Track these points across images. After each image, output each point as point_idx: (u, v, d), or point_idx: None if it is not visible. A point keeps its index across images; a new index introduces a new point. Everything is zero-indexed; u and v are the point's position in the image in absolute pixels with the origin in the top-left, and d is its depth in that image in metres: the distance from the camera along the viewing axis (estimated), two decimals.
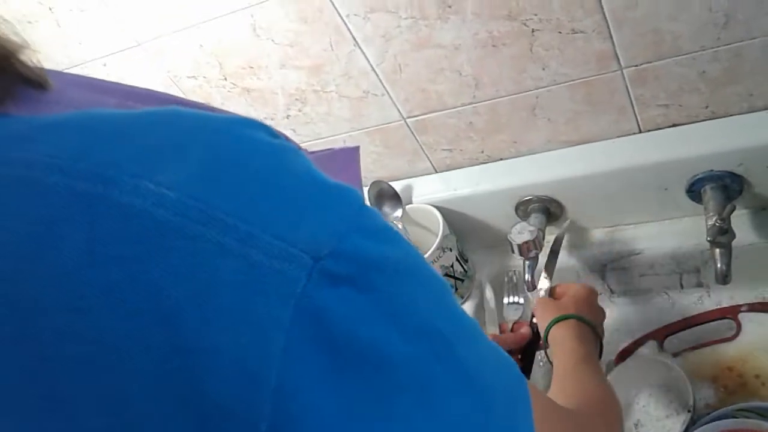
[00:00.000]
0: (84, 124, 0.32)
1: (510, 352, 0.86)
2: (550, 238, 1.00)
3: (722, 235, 0.80)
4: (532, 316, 0.89)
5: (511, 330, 0.94)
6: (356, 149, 0.55)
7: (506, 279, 0.97)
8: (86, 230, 0.28)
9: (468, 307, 1.02)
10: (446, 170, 1.04)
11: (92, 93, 0.44)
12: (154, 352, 0.27)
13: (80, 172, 0.29)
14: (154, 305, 0.27)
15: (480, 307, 1.02)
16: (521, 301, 0.94)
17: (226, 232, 0.29)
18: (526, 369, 0.88)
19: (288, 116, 1.00)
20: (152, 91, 0.48)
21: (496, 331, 0.94)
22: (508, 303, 0.94)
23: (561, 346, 0.79)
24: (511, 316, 0.93)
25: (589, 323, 0.81)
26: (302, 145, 1.05)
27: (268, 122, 1.02)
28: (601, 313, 0.86)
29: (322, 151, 0.53)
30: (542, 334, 0.82)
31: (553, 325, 0.82)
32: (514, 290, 0.94)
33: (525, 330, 0.89)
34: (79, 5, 0.90)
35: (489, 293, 0.96)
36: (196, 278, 0.28)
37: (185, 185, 0.29)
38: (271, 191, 0.31)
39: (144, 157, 0.30)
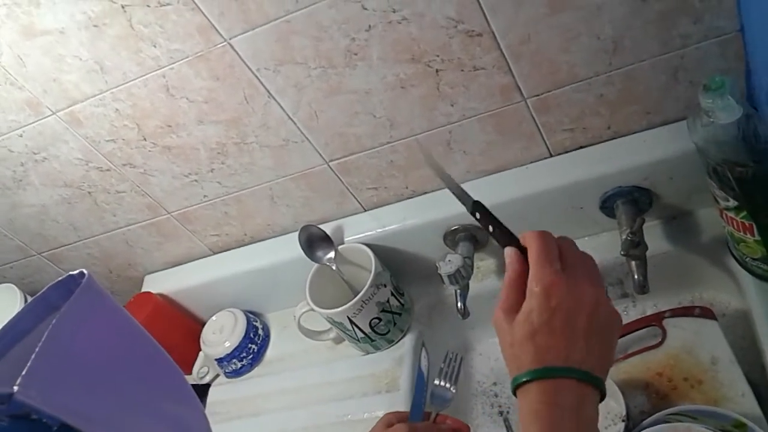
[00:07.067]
0: None
1: None
2: (480, 264, 1.03)
3: (635, 247, 0.84)
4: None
5: (434, 422, 0.80)
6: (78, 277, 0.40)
7: (444, 359, 0.85)
8: None
9: (408, 341, 1.04)
10: (374, 208, 1.06)
11: None
12: None
13: None
14: None
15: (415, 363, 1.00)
16: (453, 390, 0.83)
17: None
18: None
19: (212, 170, 1.01)
20: None
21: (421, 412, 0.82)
22: (438, 385, 0.83)
23: None
24: (437, 402, 0.82)
25: (585, 376, 0.49)
26: (225, 198, 1.06)
27: (192, 177, 1.03)
28: (608, 323, 0.54)
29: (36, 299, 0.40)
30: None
31: (517, 386, 0.52)
32: (449, 377, 0.84)
33: (446, 427, 0.78)
34: None
35: (424, 361, 0.88)
36: None
37: None
38: None
39: None
